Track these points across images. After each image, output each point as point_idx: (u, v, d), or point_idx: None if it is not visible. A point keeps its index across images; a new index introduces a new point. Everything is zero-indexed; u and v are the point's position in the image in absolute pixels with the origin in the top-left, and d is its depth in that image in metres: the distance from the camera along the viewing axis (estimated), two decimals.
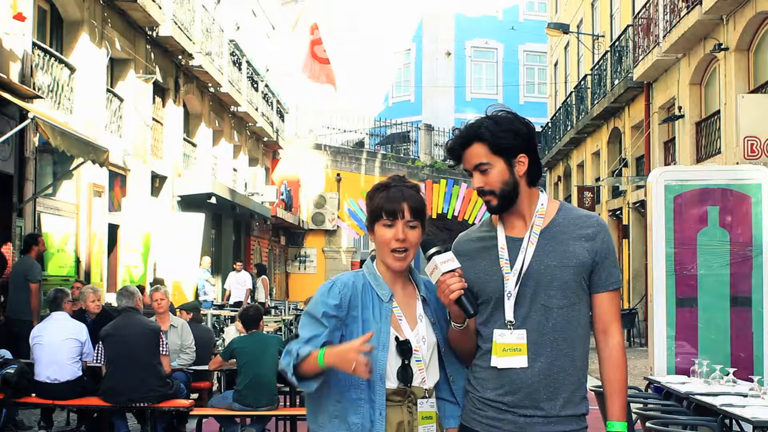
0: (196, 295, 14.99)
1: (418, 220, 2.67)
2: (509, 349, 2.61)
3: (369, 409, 2.58)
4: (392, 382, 2.61)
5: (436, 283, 2.58)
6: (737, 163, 11.24)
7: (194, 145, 19.82)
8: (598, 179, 22.76)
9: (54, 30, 13.30)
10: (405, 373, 2.61)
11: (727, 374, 6.09)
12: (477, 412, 2.67)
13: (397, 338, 2.62)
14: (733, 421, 5.45)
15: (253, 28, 26.33)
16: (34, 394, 7.61)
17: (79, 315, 8.83)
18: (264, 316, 8.82)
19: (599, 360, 2.68)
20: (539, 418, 2.59)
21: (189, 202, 17.84)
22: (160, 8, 15.22)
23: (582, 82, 23.38)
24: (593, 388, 5.38)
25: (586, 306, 2.67)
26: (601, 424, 2.64)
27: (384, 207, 2.67)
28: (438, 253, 2.58)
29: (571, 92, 24.96)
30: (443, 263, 2.55)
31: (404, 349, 2.61)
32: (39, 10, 12.52)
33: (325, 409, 2.64)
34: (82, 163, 12.10)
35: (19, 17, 10.47)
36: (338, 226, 28.57)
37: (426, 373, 2.66)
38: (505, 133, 2.62)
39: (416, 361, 2.64)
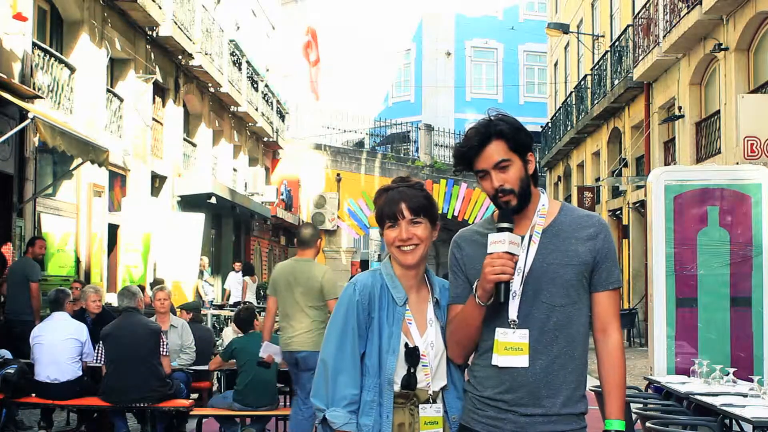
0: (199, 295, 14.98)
1: (422, 216, 2.68)
2: (511, 348, 2.61)
3: (378, 412, 2.61)
4: (397, 386, 2.64)
5: (490, 254, 2.55)
6: (737, 163, 11.23)
7: (194, 145, 19.82)
8: (598, 179, 22.75)
9: (54, 30, 13.30)
10: (409, 380, 2.63)
11: (727, 374, 6.09)
12: (477, 412, 2.67)
13: (406, 345, 2.64)
14: (733, 421, 5.45)
15: (253, 28, 26.33)
16: (34, 394, 7.60)
17: (79, 315, 8.84)
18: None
19: (598, 359, 2.68)
20: (540, 417, 2.58)
21: (189, 202, 17.84)
22: (160, 8, 15.21)
23: (582, 82, 23.38)
24: (593, 388, 5.38)
25: (586, 305, 2.67)
26: (602, 423, 2.64)
27: (384, 210, 2.69)
28: (510, 230, 2.56)
29: (571, 92, 24.96)
30: (510, 243, 2.53)
31: (412, 356, 2.62)
32: (39, 10, 12.52)
33: None
34: (81, 163, 12.10)
35: (19, 17, 10.47)
36: (338, 226, 28.58)
37: (432, 379, 2.67)
38: (519, 130, 2.64)
39: (423, 366, 2.65)
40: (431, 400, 2.67)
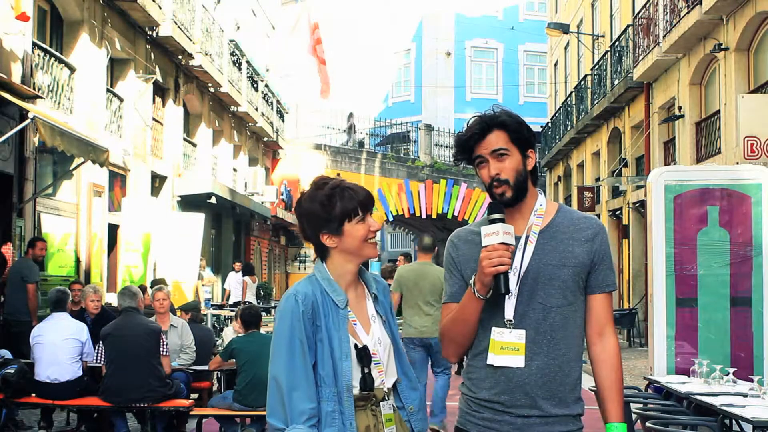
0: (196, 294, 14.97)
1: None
2: (507, 348, 2.59)
3: (340, 421, 2.55)
4: (356, 389, 2.60)
5: (485, 246, 2.53)
6: (737, 163, 11.23)
7: (194, 145, 19.82)
8: (598, 179, 22.75)
9: (54, 30, 13.30)
10: (366, 381, 2.59)
11: (727, 374, 6.09)
12: (473, 414, 2.66)
13: (356, 346, 2.60)
14: (733, 421, 5.45)
15: (253, 28, 26.33)
16: (34, 394, 7.61)
17: (79, 315, 8.84)
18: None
19: (595, 361, 2.67)
20: (537, 418, 2.58)
21: (189, 202, 17.84)
22: (160, 8, 15.22)
23: (582, 82, 23.37)
24: (591, 388, 5.38)
25: (582, 307, 2.66)
26: (601, 424, 2.64)
27: (358, 204, 2.63)
28: (502, 221, 2.55)
29: (571, 92, 24.96)
30: (504, 233, 2.51)
31: (363, 356, 2.59)
32: (39, 10, 12.52)
33: None
34: (82, 163, 12.10)
35: (23, 17, 10.46)
36: None
37: (385, 375, 2.65)
38: (521, 125, 2.67)
39: (375, 364, 2.62)
40: (386, 397, 2.65)
